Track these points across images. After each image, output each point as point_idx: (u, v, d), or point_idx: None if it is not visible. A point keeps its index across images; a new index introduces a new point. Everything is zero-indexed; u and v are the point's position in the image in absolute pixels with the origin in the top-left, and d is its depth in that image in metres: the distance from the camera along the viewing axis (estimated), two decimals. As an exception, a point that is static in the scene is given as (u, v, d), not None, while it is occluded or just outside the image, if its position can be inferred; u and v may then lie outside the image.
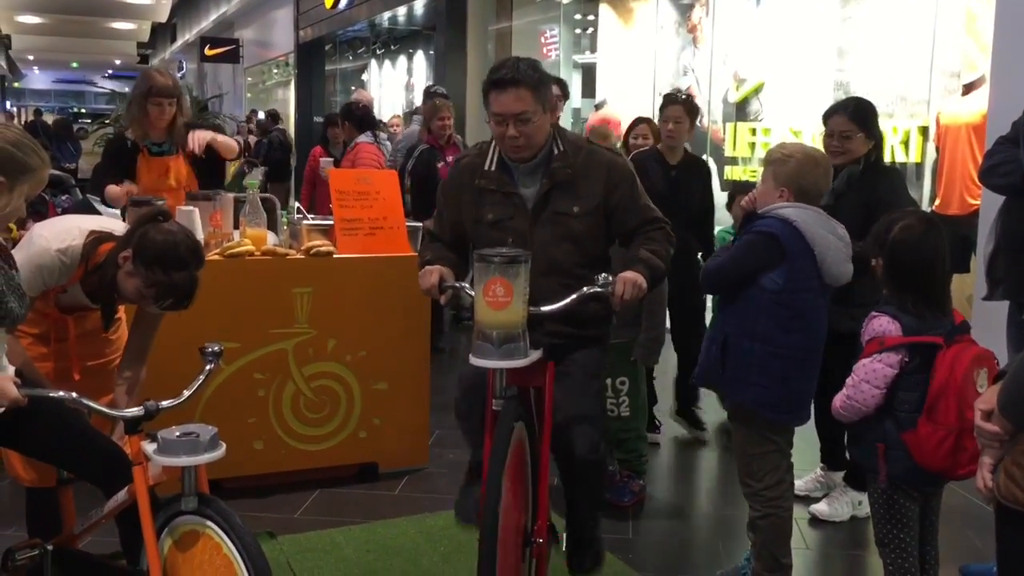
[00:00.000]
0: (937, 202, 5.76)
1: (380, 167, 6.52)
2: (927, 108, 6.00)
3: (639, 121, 5.39)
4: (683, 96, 4.98)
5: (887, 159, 4.44)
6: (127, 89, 19.08)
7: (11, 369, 2.40)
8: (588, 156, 2.92)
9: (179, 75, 30.83)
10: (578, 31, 11.35)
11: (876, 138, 3.84)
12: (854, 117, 3.81)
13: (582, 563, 3.05)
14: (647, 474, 4.20)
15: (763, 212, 3.05)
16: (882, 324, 2.67)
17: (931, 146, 6.00)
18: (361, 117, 7.10)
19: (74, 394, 2.32)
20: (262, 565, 2.23)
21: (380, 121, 8.64)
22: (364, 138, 6.87)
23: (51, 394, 2.31)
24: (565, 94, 5.55)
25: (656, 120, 5.13)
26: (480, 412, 2.72)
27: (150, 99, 4.36)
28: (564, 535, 3.11)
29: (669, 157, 4.71)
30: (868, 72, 6.39)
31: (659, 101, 5.51)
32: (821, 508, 3.99)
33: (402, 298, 4.19)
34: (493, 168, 2.91)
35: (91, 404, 2.33)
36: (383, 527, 3.76)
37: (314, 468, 4.18)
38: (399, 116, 9.74)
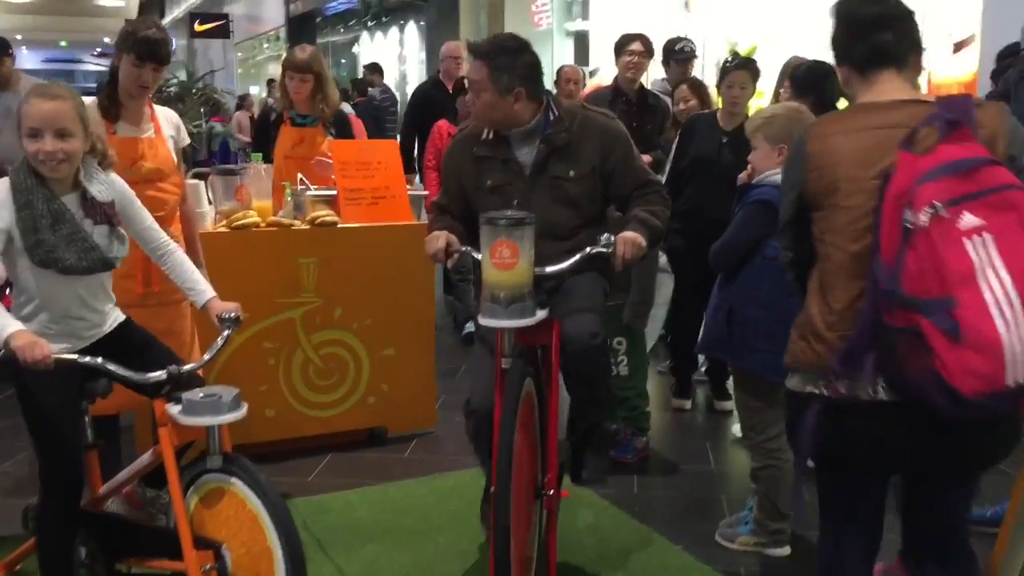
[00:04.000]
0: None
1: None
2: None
3: (680, 82, 5.38)
4: (747, 60, 4.86)
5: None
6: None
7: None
8: (583, 122, 3.00)
9: (169, 52, 30.51)
10: (570, -1, 11.34)
11: (824, 103, 3.85)
12: (793, 83, 3.94)
13: (583, 471, 3.07)
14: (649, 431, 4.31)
15: (756, 182, 3.14)
16: None
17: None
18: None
19: (100, 359, 2.42)
20: (286, 519, 2.34)
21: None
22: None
23: (80, 360, 2.40)
24: (649, 51, 5.39)
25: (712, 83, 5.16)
26: (488, 439, 2.71)
27: (286, 73, 4.72)
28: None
29: (725, 123, 4.60)
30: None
31: (653, 68, 5.59)
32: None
33: (406, 266, 4.28)
34: (490, 136, 3.00)
35: (116, 370, 2.42)
36: (395, 488, 3.87)
37: (325, 434, 4.28)
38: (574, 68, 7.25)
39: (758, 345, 3.07)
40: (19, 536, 3.13)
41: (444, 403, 4.68)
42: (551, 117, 2.97)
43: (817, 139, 2.10)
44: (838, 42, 2.18)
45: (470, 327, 5.81)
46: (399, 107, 11.46)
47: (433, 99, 6.59)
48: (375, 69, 11.92)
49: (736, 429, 4.49)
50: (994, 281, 1.77)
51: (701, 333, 3.35)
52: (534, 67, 2.95)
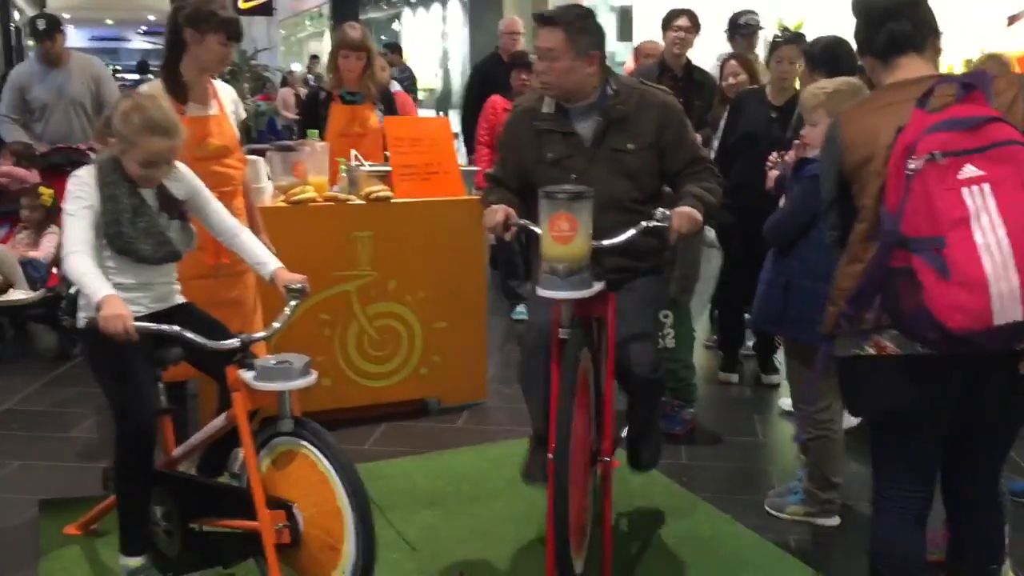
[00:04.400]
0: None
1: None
2: (970, 43, 6.00)
3: (728, 57, 5.39)
4: (797, 35, 4.88)
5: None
6: (160, 45, 19.20)
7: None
8: (641, 96, 3.05)
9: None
10: (613, -27, 11.28)
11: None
12: (809, 60, 4.00)
13: (642, 458, 3.23)
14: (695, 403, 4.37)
15: (813, 156, 3.16)
16: None
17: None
18: None
19: (176, 328, 2.53)
20: (355, 479, 2.43)
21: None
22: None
23: (158, 328, 2.51)
24: (695, 26, 5.42)
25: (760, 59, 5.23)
26: (543, 380, 2.82)
27: (340, 52, 4.78)
28: (624, 433, 3.25)
29: (775, 98, 4.66)
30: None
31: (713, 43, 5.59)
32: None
33: (458, 240, 4.37)
34: (551, 110, 3.05)
35: (193, 337, 2.53)
36: (449, 456, 3.97)
37: (379, 403, 4.39)
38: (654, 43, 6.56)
39: (817, 317, 3.09)
40: (92, 497, 3.29)
41: (494, 375, 4.77)
42: (608, 91, 3.02)
43: (848, 121, 2.23)
44: (860, 34, 2.31)
45: (521, 312, 5.86)
46: (460, 84, 11.61)
47: (493, 75, 6.59)
48: (394, 49, 12.26)
49: (783, 402, 4.53)
50: (987, 225, 1.92)
51: (754, 307, 3.38)
52: (603, 34, 3.04)
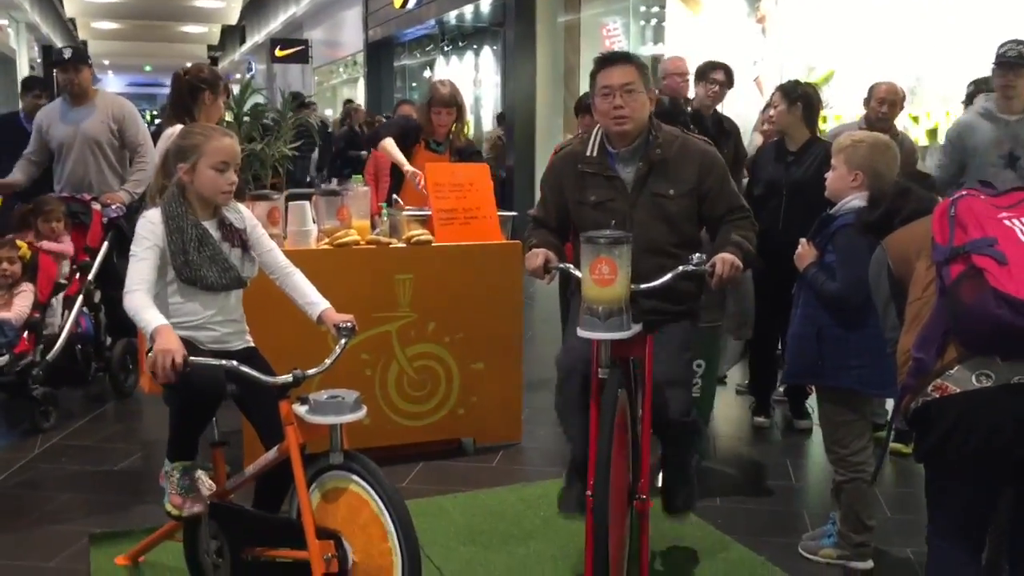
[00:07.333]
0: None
1: None
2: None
3: (767, 106, 5.53)
4: (791, 83, 5.02)
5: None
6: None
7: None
8: (683, 144, 3.17)
9: (248, 76, 31.55)
10: (642, 23, 11.48)
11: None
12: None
13: (677, 504, 3.32)
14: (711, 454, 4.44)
15: (836, 212, 3.26)
16: None
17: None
18: None
19: (234, 362, 2.64)
20: (404, 516, 2.52)
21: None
22: None
23: (213, 362, 2.62)
24: (730, 81, 5.58)
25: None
26: (581, 406, 2.94)
27: (432, 108, 5.15)
28: (660, 477, 3.38)
29: (788, 143, 4.82)
30: (941, 57, 6.48)
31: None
32: None
33: (496, 283, 4.48)
34: (595, 153, 3.17)
35: (248, 372, 2.64)
36: (485, 495, 4.04)
37: (417, 443, 4.48)
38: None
39: (851, 362, 3.17)
40: (141, 529, 3.41)
41: (529, 417, 4.84)
42: (651, 137, 3.14)
43: (893, 247, 2.63)
44: (876, 215, 2.88)
45: None
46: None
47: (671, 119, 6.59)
48: (296, 98, 13.89)
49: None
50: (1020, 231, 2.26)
51: (787, 362, 3.45)
52: None
